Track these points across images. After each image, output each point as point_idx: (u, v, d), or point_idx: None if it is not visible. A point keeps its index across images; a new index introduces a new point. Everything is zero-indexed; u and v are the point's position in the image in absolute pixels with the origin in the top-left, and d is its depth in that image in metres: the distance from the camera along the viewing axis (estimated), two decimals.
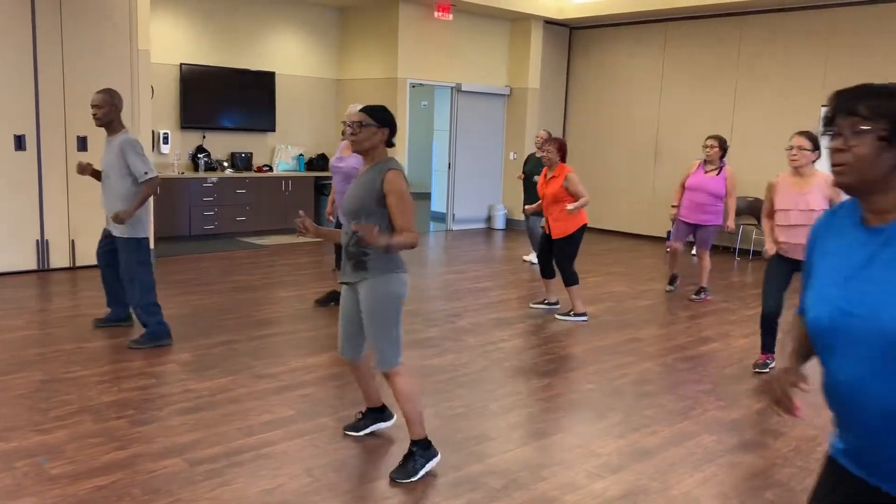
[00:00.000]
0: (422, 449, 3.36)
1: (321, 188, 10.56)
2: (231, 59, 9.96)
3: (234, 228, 9.72)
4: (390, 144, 3.37)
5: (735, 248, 10.00)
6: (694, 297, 7.16)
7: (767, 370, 4.98)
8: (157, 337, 5.11)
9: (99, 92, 4.99)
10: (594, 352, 5.40)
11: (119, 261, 5.11)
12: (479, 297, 7.02)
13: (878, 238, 1.59)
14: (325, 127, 11.05)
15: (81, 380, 4.42)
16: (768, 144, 9.69)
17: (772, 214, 4.88)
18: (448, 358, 5.11)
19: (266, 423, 3.88)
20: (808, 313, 1.68)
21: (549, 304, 6.63)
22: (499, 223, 11.87)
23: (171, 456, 3.47)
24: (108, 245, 5.26)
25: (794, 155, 4.71)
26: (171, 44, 9.42)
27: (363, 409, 3.84)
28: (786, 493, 3.34)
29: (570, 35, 12.17)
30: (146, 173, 4.91)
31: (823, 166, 4.71)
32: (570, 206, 6.04)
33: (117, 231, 5.01)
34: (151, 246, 7.93)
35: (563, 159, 6.25)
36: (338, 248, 5.92)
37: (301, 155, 10.67)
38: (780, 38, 9.72)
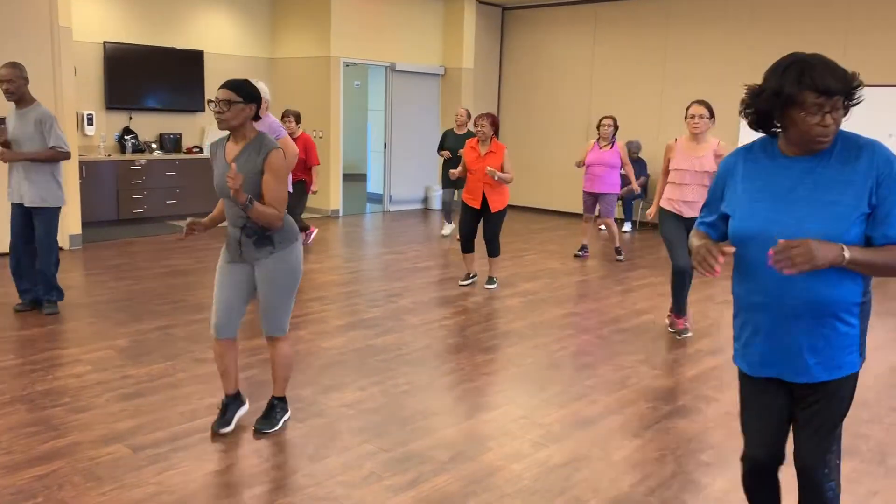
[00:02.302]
0: (282, 403, 3.69)
1: None
2: (158, 38, 9.64)
3: (164, 212, 9.47)
4: (257, 118, 3.35)
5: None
6: (619, 258, 8.12)
7: (688, 335, 5.34)
8: (60, 294, 5.49)
9: (6, 66, 5.07)
10: (534, 327, 5.52)
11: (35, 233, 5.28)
12: (419, 276, 7.06)
13: (814, 164, 2.04)
14: None
15: (13, 369, 4.27)
16: None
17: (667, 172, 5.29)
18: (391, 337, 5.13)
19: (209, 407, 3.84)
20: (736, 224, 2.13)
21: (473, 276, 6.84)
22: (436, 204, 11.89)
23: (113, 442, 3.40)
24: (23, 218, 5.26)
25: (696, 123, 5.08)
26: (95, 21, 9.05)
27: (222, 402, 3.63)
28: (720, 454, 3.51)
29: (503, 15, 12.23)
30: (64, 146, 5.17)
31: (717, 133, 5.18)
32: (497, 173, 6.23)
33: (36, 201, 5.15)
34: (79, 230, 7.70)
35: (496, 134, 6.40)
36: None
37: None
38: (706, 21, 10.01)
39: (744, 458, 2.38)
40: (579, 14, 11.26)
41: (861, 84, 1.98)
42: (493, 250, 6.63)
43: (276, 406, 3.65)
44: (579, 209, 11.42)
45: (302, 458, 3.33)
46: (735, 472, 3.35)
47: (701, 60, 10.07)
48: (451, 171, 6.76)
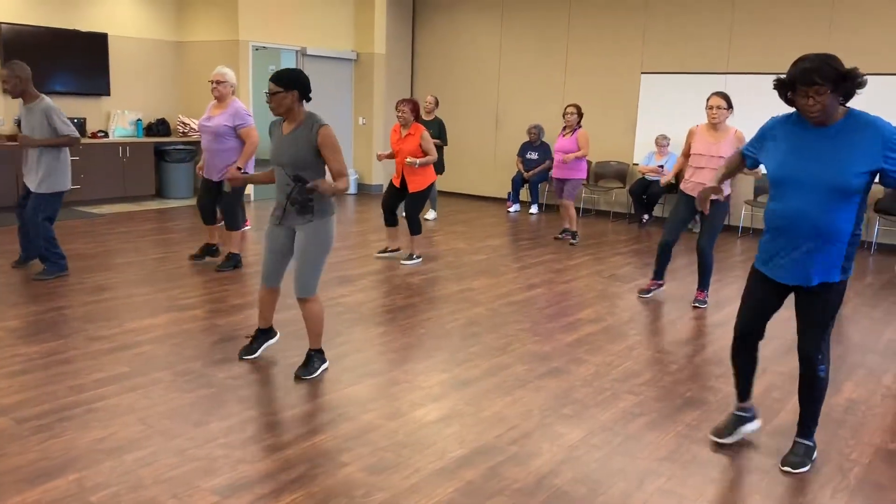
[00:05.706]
0: (319, 354, 4.19)
1: (162, 154, 10.27)
2: (59, 19, 9.42)
3: (68, 197, 9.23)
4: (307, 99, 3.84)
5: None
6: (572, 241, 8.32)
7: (649, 295, 6.05)
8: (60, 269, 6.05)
9: (4, 66, 5.69)
10: (430, 301, 5.76)
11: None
12: None
13: (826, 133, 2.89)
14: (165, 91, 10.72)
15: None
16: (595, 109, 10.42)
17: (687, 155, 5.77)
18: (288, 314, 5.28)
19: (98, 381, 3.93)
20: (771, 170, 3.01)
21: (391, 251, 7.24)
22: (350, 188, 12.00)
23: None
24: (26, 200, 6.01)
25: (714, 114, 5.50)
26: None
27: (252, 334, 4.45)
28: (581, 408, 3.82)
29: (414, 2, 12.39)
30: (69, 133, 5.80)
31: (734, 122, 5.77)
32: (418, 161, 6.79)
33: (33, 186, 5.85)
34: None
35: (416, 119, 6.95)
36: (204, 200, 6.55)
37: (139, 120, 10.31)
38: (604, 12, 10.41)
39: (734, 331, 3.30)
40: (488, 1, 11.52)
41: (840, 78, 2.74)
42: (411, 228, 7.09)
43: (314, 357, 4.15)
44: (490, 193, 11.81)
45: (186, 425, 3.47)
46: (590, 425, 3.66)
47: (599, 49, 10.48)
48: (379, 153, 7.20)
